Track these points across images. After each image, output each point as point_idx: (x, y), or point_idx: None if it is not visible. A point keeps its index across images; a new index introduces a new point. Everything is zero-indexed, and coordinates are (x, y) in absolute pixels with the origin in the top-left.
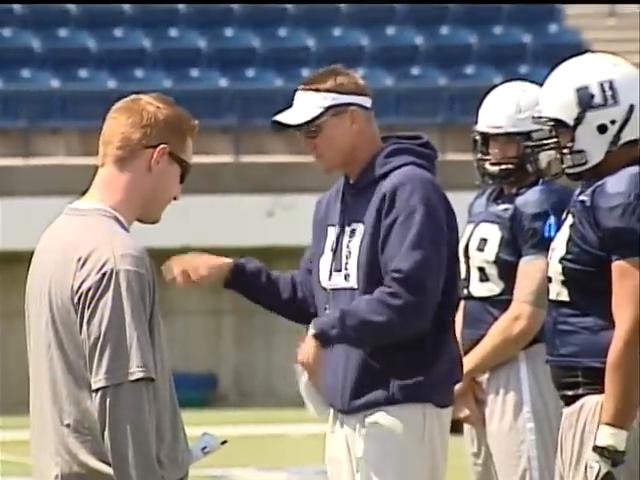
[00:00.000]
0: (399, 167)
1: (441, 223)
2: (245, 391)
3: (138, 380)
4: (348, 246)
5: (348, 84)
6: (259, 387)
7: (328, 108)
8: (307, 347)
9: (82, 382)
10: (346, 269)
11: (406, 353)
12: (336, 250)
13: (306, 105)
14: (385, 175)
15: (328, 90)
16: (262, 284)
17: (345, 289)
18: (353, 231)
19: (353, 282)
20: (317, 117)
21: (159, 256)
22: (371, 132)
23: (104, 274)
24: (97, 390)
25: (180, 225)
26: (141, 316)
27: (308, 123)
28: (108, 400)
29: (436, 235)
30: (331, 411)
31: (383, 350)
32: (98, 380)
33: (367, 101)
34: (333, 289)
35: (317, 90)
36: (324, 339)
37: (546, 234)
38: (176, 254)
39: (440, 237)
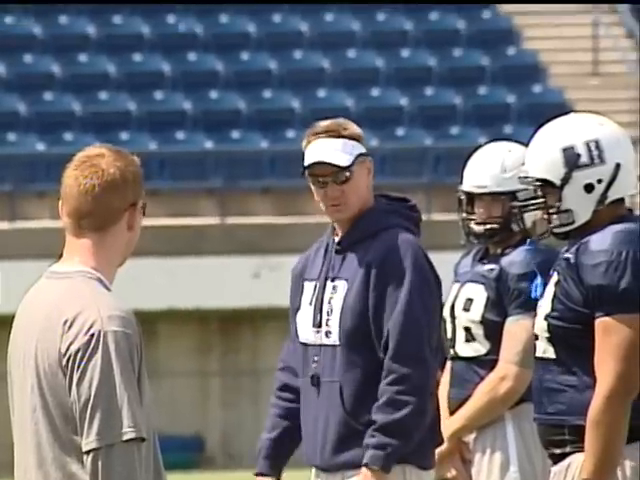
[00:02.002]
0: (388, 229)
1: (432, 287)
2: (233, 453)
3: (130, 440)
4: (330, 302)
5: (360, 134)
6: (247, 449)
7: (358, 156)
8: None
9: (68, 446)
10: (327, 325)
11: None
12: (314, 305)
13: (338, 152)
14: (374, 235)
15: (353, 138)
16: (295, 440)
17: (326, 345)
18: (335, 287)
19: (334, 339)
20: (353, 163)
21: (145, 318)
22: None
23: (92, 336)
24: (89, 452)
25: (166, 287)
26: (130, 376)
27: (347, 168)
28: (100, 461)
29: (428, 300)
30: (312, 469)
31: (364, 410)
32: (90, 442)
33: None
34: (313, 345)
35: (346, 137)
36: (383, 466)
37: (532, 294)
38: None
39: (432, 301)
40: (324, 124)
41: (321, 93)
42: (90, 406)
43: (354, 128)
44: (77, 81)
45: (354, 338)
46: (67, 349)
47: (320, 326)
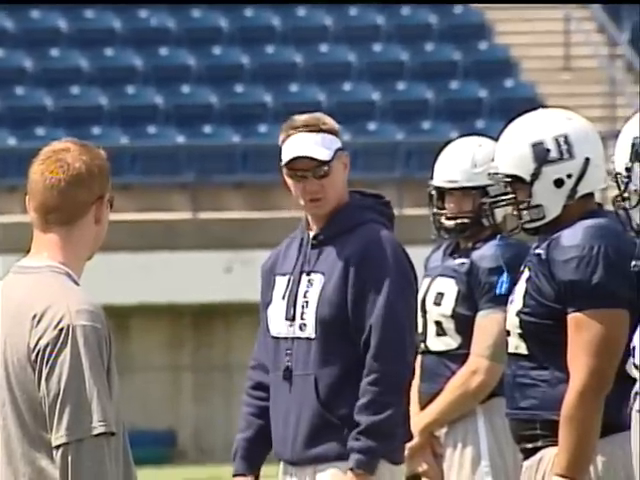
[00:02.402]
0: (364, 224)
1: (411, 283)
2: (205, 448)
3: (100, 435)
4: (305, 295)
5: (337, 129)
6: (219, 444)
7: (336, 150)
8: None
9: (37, 441)
10: (302, 319)
11: None
12: (287, 299)
13: (317, 146)
14: (351, 229)
15: (331, 132)
16: (270, 438)
17: (300, 338)
18: (310, 281)
19: (310, 332)
20: (332, 157)
21: (118, 312)
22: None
23: (61, 330)
24: (58, 447)
25: (139, 282)
26: (99, 370)
27: (329, 162)
28: (70, 456)
29: (409, 297)
30: (281, 464)
31: (339, 402)
32: (59, 437)
33: None
34: (284, 338)
35: (325, 132)
36: (367, 468)
37: (497, 290)
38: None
39: (411, 298)
40: (302, 118)
41: (293, 87)
42: (59, 401)
43: (332, 123)
44: (49, 75)
45: (331, 331)
46: (36, 344)
47: (294, 319)
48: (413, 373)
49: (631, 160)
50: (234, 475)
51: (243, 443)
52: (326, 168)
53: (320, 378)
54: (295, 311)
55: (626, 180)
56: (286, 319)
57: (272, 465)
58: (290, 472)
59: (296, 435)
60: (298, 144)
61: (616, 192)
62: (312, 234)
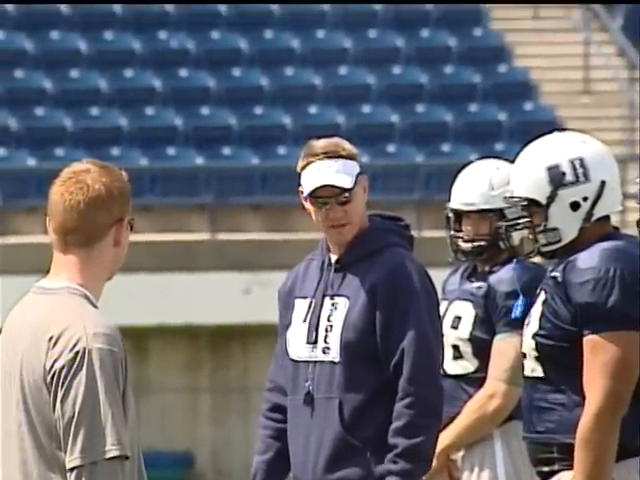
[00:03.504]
0: (388, 247)
1: (437, 307)
2: (223, 469)
3: (114, 458)
4: (329, 319)
5: (356, 153)
6: (237, 465)
7: (357, 175)
8: None
9: (53, 462)
10: (325, 342)
11: (381, 431)
12: (309, 322)
13: (341, 172)
14: (376, 252)
15: (350, 157)
16: (289, 461)
17: (323, 362)
18: (334, 305)
19: (334, 355)
20: (354, 183)
21: (136, 334)
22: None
23: (77, 353)
24: (72, 469)
25: (156, 303)
26: (115, 393)
27: (351, 189)
28: (84, 479)
29: (436, 320)
30: None
31: (363, 426)
32: (73, 459)
33: None
34: (305, 362)
35: (346, 157)
36: None
37: (513, 314)
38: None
39: (437, 319)
40: (321, 144)
41: (312, 109)
42: (74, 423)
43: (350, 148)
44: (68, 97)
45: (356, 355)
46: (52, 366)
47: (316, 342)
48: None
49: None
50: None
51: (262, 465)
52: (348, 195)
53: (344, 402)
54: (317, 335)
55: None
56: (307, 342)
57: None
58: None
59: (317, 459)
60: (320, 172)
61: (635, 215)
62: (334, 257)
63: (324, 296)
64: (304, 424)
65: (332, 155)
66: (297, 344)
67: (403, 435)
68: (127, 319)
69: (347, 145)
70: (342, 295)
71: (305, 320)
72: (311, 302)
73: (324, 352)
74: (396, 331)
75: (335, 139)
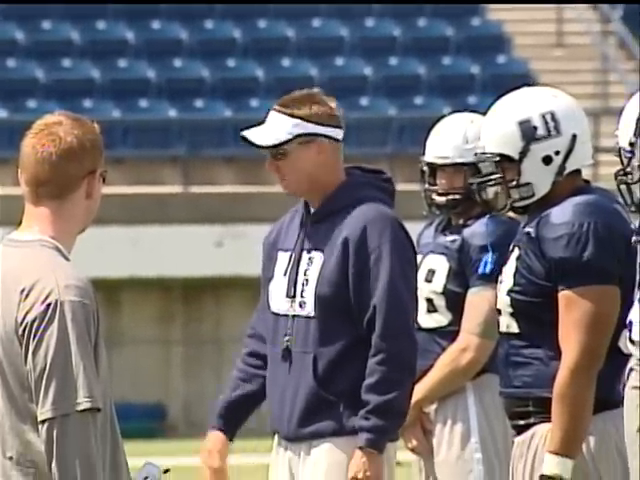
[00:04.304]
0: (363, 201)
1: (411, 261)
2: (195, 422)
3: (85, 410)
4: (305, 273)
5: (322, 114)
6: (209, 417)
7: (297, 136)
8: (362, 463)
9: (25, 414)
10: (302, 296)
11: (355, 385)
12: (288, 276)
13: (277, 127)
14: (350, 207)
15: (301, 117)
16: (246, 411)
17: (300, 316)
18: (311, 259)
19: (309, 310)
20: (285, 142)
21: (108, 286)
22: (337, 164)
23: (49, 305)
24: (44, 421)
25: (128, 255)
26: (87, 346)
27: (274, 147)
28: (55, 431)
29: (410, 275)
30: (275, 437)
31: (336, 380)
32: (45, 411)
33: (338, 133)
34: (284, 315)
35: (291, 115)
36: (377, 447)
37: (481, 270)
38: (124, 284)
39: (410, 272)
40: (287, 97)
41: (285, 62)
42: (45, 376)
43: (314, 108)
44: (40, 48)
45: (330, 309)
46: (24, 318)
47: (294, 297)
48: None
49: (635, 135)
50: (211, 428)
51: (225, 404)
52: (281, 151)
53: (319, 356)
54: (295, 289)
55: (629, 155)
56: (287, 296)
57: (267, 439)
58: (285, 446)
59: (292, 412)
60: (260, 125)
61: (607, 169)
62: (312, 211)
63: (302, 250)
64: (281, 378)
65: (283, 111)
66: (277, 297)
67: (375, 391)
68: (99, 271)
69: (309, 104)
70: (318, 249)
71: (285, 274)
72: (291, 255)
73: (301, 306)
74: (368, 286)
75: (311, 92)
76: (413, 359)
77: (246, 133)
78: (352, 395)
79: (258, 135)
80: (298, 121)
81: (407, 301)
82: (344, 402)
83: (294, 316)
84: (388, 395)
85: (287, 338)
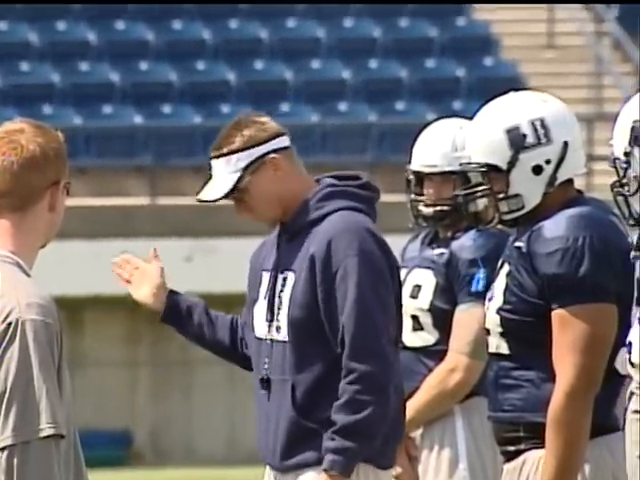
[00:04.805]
0: (333, 212)
1: (383, 274)
2: (163, 449)
3: (48, 437)
4: (280, 296)
5: (257, 134)
6: (178, 445)
7: (245, 168)
8: None
9: None
10: (277, 320)
11: None
12: (268, 298)
13: (222, 174)
14: (318, 220)
15: (239, 150)
16: (197, 320)
17: (277, 341)
18: (285, 279)
19: (284, 334)
20: (237, 182)
21: (71, 304)
22: (298, 171)
23: (9, 324)
24: (3, 449)
25: (91, 272)
26: (50, 368)
27: (229, 193)
28: (16, 459)
29: (381, 288)
30: (266, 467)
31: (317, 408)
32: (5, 438)
33: (284, 141)
34: (265, 339)
35: (227, 154)
36: (343, 471)
37: (473, 288)
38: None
39: (382, 286)
40: (217, 140)
41: (258, 65)
42: (6, 400)
43: (245, 133)
44: None
45: (303, 333)
46: None
47: (272, 320)
48: (398, 369)
49: (630, 144)
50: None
51: (193, 304)
52: (239, 192)
53: (296, 383)
54: (273, 312)
55: (625, 165)
56: (266, 320)
57: (260, 467)
58: (275, 477)
59: (275, 443)
60: (208, 182)
61: (602, 178)
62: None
63: (277, 270)
64: (264, 407)
65: (218, 155)
66: (259, 321)
67: (343, 411)
68: (60, 289)
69: (239, 134)
70: (289, 269)
71: (265, 296)
72: (270, 276)
73: (277, 330)
74: (336, 304)
75: (235, 122)
76: (384, 377)
77: (200, 196)
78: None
79: (209, 191)
80: (237, 155)
81: (377, 317)
82: (327, 430)
83: (272, 341)
84: (356, 415)
85: (266, 365)
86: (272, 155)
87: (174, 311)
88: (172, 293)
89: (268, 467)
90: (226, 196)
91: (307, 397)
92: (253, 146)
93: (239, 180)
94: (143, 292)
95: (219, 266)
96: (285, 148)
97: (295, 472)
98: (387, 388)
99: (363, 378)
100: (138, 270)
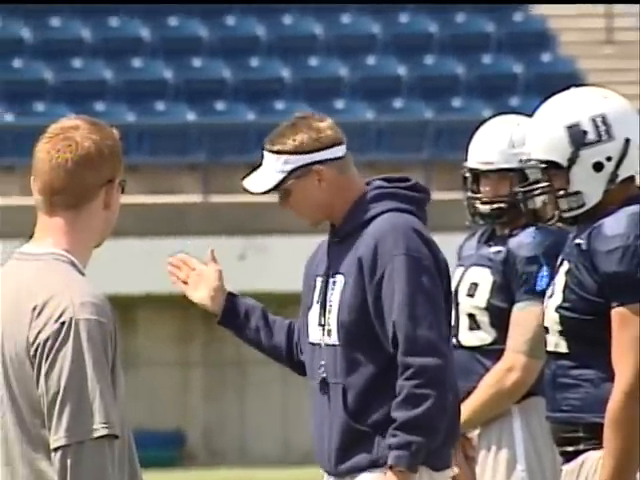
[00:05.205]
0: (380, 214)
1: (431, 272)
2: (216, 450)
3: (101, 437)
4: (330, 299)
5: (309, 142)
6: (230, 446)
7: (291, 172)
8: None
9: (37, 441)
10: (328, 324)
11: (390, 415)
12: (320, 303)
13: (269, 169)
14: (366, 223)
15: (289, 153)
16: (255, 324)
17: (328, 345)
18: (335, 283)
19: (335, 338)
20: (280, 182)
21: (123, 303)
22: (345, 183)
23: (63, 324)
24: (57, 449)
25: (144, 270)
26: (103, 368)
27: (271, 190)
28: (69, 460)
29: (426, 283)
30: (324, 475)
31: (366, 414)
32: (58, 438)
33: (336, 151)
34: (318, 344)
35: (278, 153)
36: (410, 466)
37: (538, 287)
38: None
39: (430, 283)
40: (273, 133)
41: (313, 61)
42: (59, 400)
43: (298, 139)
44: (49, 47)
45: (353, 336)
46: (36, 338)
47: (324, 325)
48: (452, 366)
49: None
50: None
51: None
52: (282, 191)
53: (347, 386)
54: (325, 316)
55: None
56: (318, 325)
57: (314, 468)
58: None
59: (330, 449)
60: (256, 170)
61: None
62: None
63: (329, 274)
64: (319, 411)
65: (269, 149)
66: (313, 327)
67: (402, 408)
68: (113, 287)
69: (292, 137)
70: (339, 272)
71: (318, 301)
72: (322, 281)
73: (329, 334)
74: (385, 304)
75: (293, 121)
76: (440, 371)
77: (245, 182)
78: (387, 425)
79: (254, 182)
80: (286, 157)
81: (428, 313)
82: (379, 433)
83: (325, 345)
84: (416, 410)
85: (322, 369)
86: (318, 166)
87: (232, 314)
88: (230, 295)
89: (325, 474)
90: (268, 192)
91: (358, 400)
92: (302, 153)
93: (283, 181)
94: (200, 294)
95: (272, 264)
96: (337, 158)
97: (349, 476)
98: (444, 381)
99: (420, 372)
100: (195, 271)
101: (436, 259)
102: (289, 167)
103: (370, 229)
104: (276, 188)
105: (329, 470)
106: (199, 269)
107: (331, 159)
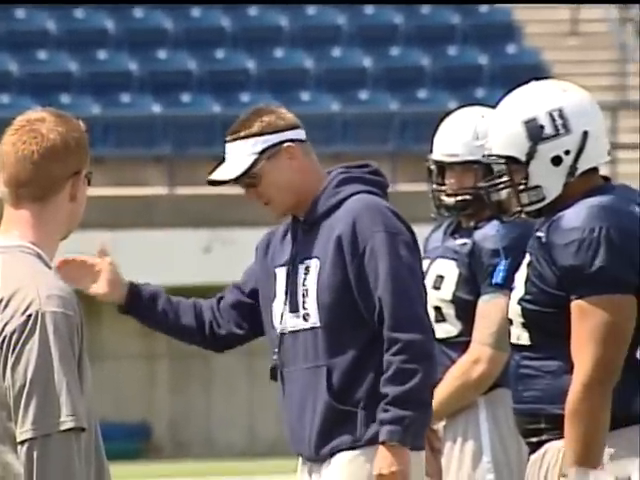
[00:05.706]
0: (350, 196)
1: (410, 247)
2: (182, 441)
3: (68, 430)
4: (304, 284)
5: (276, 121)
6: (196, 437)
7: (261, 152)
8: (386, 459)
9: (3, 434)
10: (304, 309)
11: (371, 393)
12: (288, 291)
13: (237, 156)
14: (336, 206)
15: (256, 134)
16: (161, 308)
17: (305, 329)
18: (307, 268)
19: (314, 320)
20: (252, 165)
21: (88, 296)
22: (312, 164)
23: (29, 316)
24: (23, 442)
25: None
26: (70, 361)
27: (244, 175)
28: (35, 452)
29: (411, 261)
30: (299, 459)
31: (350, 394)
32: (24, 431)
33: (300, 133)
34: (292, 331)
35: (245, 137)
36: (402, 440)
37: (493, 280)
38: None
39: (414, 261)
40: (235, 124)
41: (278, 53)
42: (25, 392)
43: (264, 119)
44: (14, 38)
45: (335, 316)
46: (2, 330)
47: (297, 310)
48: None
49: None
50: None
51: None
52: (252, 176)
53: (331, 367)
54: (297, 302)
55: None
56: (290, 312)
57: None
58: (309, 467)
59: (311, 434)
60: (222, 164)
61: (626, 166)
62: (302, 220)
63: (296, 261)
64: (297, 398)
65: (235, 138)
66: (279, 316)
67: (392, 383)
68: None
69: (258, 120)
70: (312, 257)
71: (286, 290)
72: (288, 269)
73: (305, 319)
74: (369, 281)
75: (255, 109)
76: (428, 345)
77: (212, 177)
78: (369, 404)
79: (224, 172)
80: (254, 139)
81: (412, 288)
82: (363, 410)
83: (301, 331)
84: (406, 385)
85: (300, 356)
86: (289, 144)
87: (135, 302)
88: (132, 285)
89: (301, 459)
90: (239, 178)
91: (343, 380)
92: (271, 132)
93: (254, 164)
94: (99, 288)
95: (238, 257)
96: (301, 141)
97: (330, 459)
98: (431, 355)
99: (407, 347)
100: (87, 267)
101: (411, 234)
102: (259, 148)
103: (342, 210)
104: (247, 172)
105: (309, 456)
106: (90, 263)
107: (298, 140)
